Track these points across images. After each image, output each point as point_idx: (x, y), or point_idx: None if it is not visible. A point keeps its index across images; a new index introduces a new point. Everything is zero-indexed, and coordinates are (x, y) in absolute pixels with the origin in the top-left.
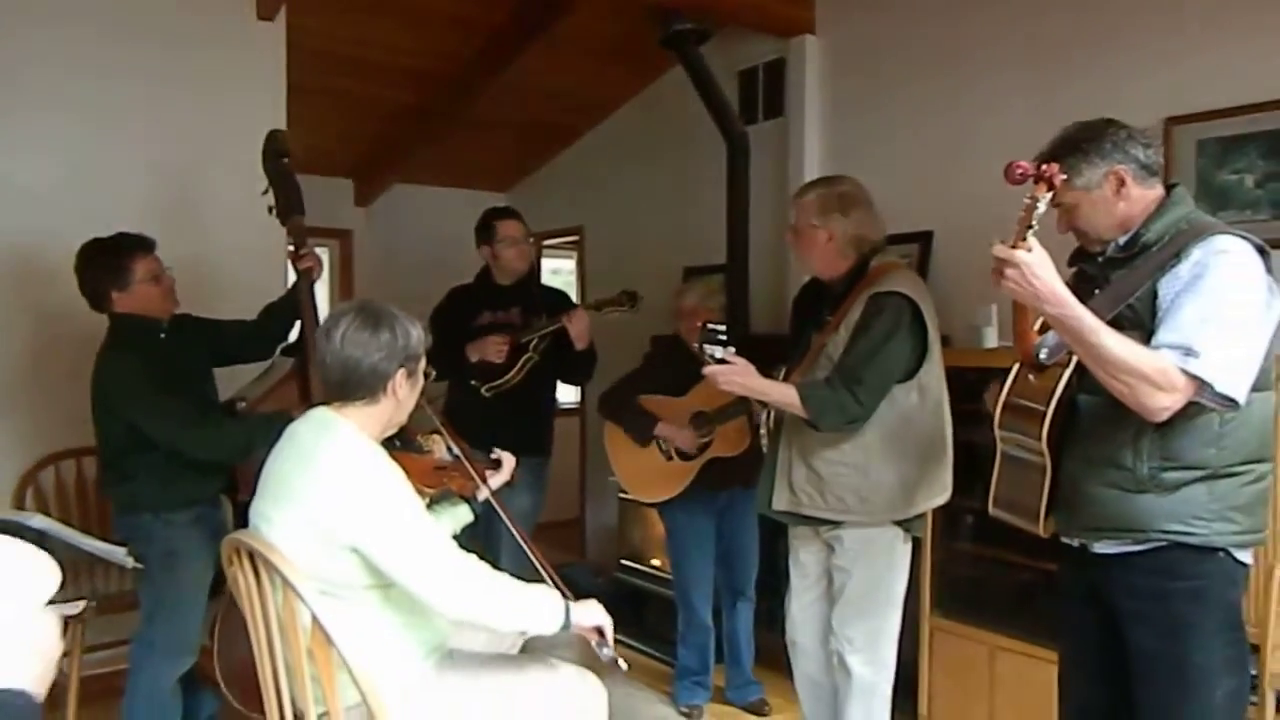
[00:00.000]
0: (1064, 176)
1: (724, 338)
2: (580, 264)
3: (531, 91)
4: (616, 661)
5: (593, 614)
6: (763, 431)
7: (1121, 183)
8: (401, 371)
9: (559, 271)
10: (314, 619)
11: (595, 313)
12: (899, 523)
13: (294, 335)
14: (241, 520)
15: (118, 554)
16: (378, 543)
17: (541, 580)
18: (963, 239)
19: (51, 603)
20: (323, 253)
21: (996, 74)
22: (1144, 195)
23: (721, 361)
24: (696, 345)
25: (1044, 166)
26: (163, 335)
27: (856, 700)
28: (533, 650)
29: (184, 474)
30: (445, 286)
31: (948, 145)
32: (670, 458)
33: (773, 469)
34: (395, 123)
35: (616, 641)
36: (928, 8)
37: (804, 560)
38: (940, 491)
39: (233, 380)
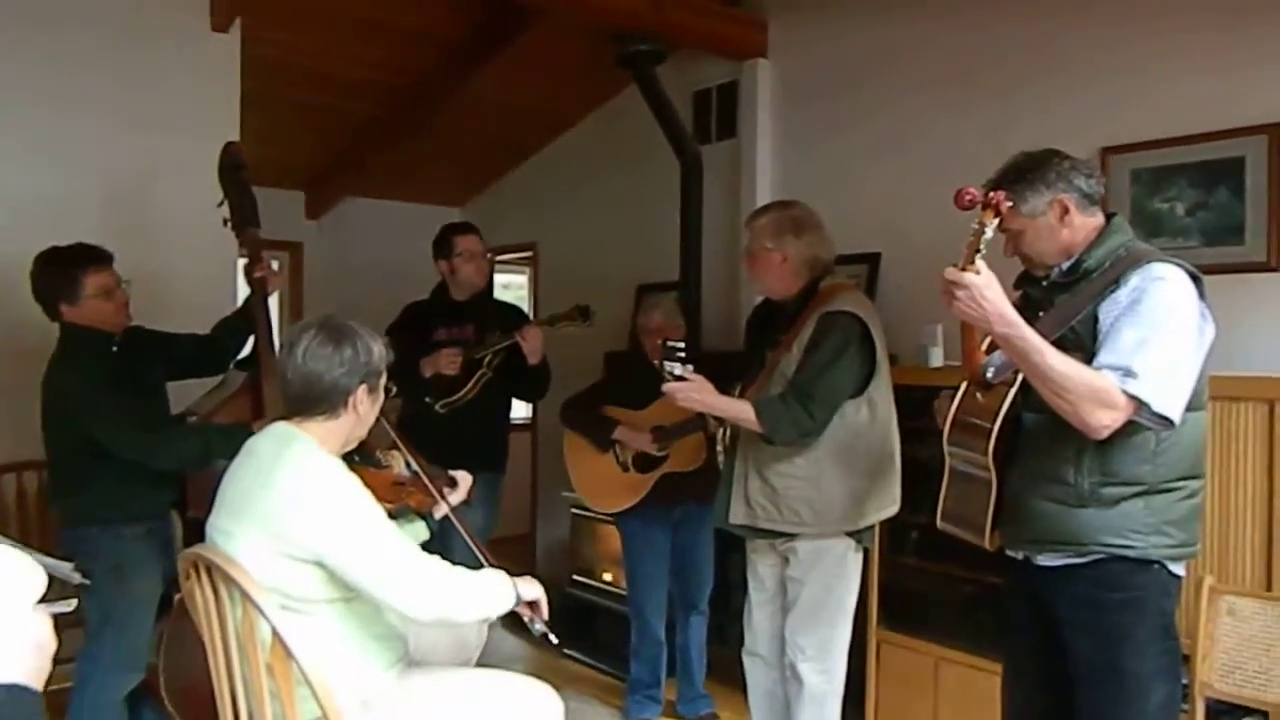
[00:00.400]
0: (1010, 204)
1: (683, 355)
2: (534, 280)
3: (487, 107)
4: (547, 636)
5: (531, 589)
6: (719, 448)
7: (1065, 211)
8: (363, 387)
9: (510, 286)
10: (274, 633)
11: (548, 328)
12: (850, 534)
13: (248, 349)
14: (191, 536)
15: (63, 569)
16: (342, 554)
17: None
18: (910, 261)
19: (42, 601)
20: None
21: (945, 101)
22: (1086, 223)
23: (680, 379)
24: (657, 362)
25: (991, 194)
26: (114, 348)
27: (808, 708)
28: (489, 665)
29: (136, 487)
30: (396, 300)
31: (895, 169)
32: (627, 469)
33: (729, 484)
34: (349, 135)
35: (568, 655)
36: (878, 36)
37: (761, 573)
38: (890, 504)
39: (184, 396)
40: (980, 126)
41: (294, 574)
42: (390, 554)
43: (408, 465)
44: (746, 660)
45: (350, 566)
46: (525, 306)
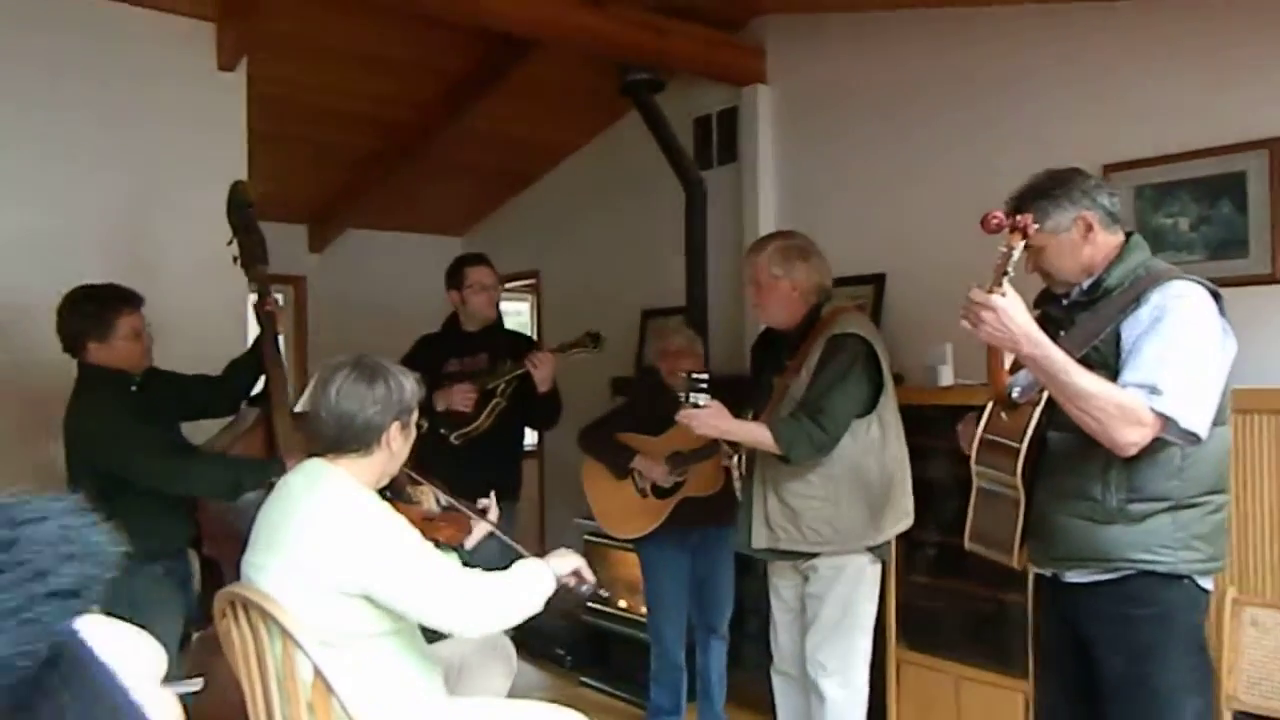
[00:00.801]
0: (1037, 226)
1: (705, 387)
2: (536, 308)
3: (488, 137)
4: (600, 590)
5: (568, 561)
6: (736, 475)
7: (1089, 228)
8: (396, 424)
9: (508, 313)
10: (315, 670)
11: (560, 354)
12: (869, 549)
13: (260, 386)
14: (207, 574)
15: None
16: (390, 583)
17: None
18: (915, 280)
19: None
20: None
21: (944, 121)
22: (1108, 241)
23: (700, 407)
24: (682, 395)
25: (1019, 217)
26: (134, 388)
27: None
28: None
29: (153, 525)
30: (401, 332)
31: (898, 189)
32: (645, 495)
33: (749, 509)
34: (351, 168)
35: (585, 684)
36: (876, 58)
37: (784, 593)
38: (904, 517)
39: (196, 436)
40: (982, 147)
41: (338, 608)
42: (435, 575)
43: (437, 500)
44: (776, 679)
45: (397, 593)
46: (529, 334)
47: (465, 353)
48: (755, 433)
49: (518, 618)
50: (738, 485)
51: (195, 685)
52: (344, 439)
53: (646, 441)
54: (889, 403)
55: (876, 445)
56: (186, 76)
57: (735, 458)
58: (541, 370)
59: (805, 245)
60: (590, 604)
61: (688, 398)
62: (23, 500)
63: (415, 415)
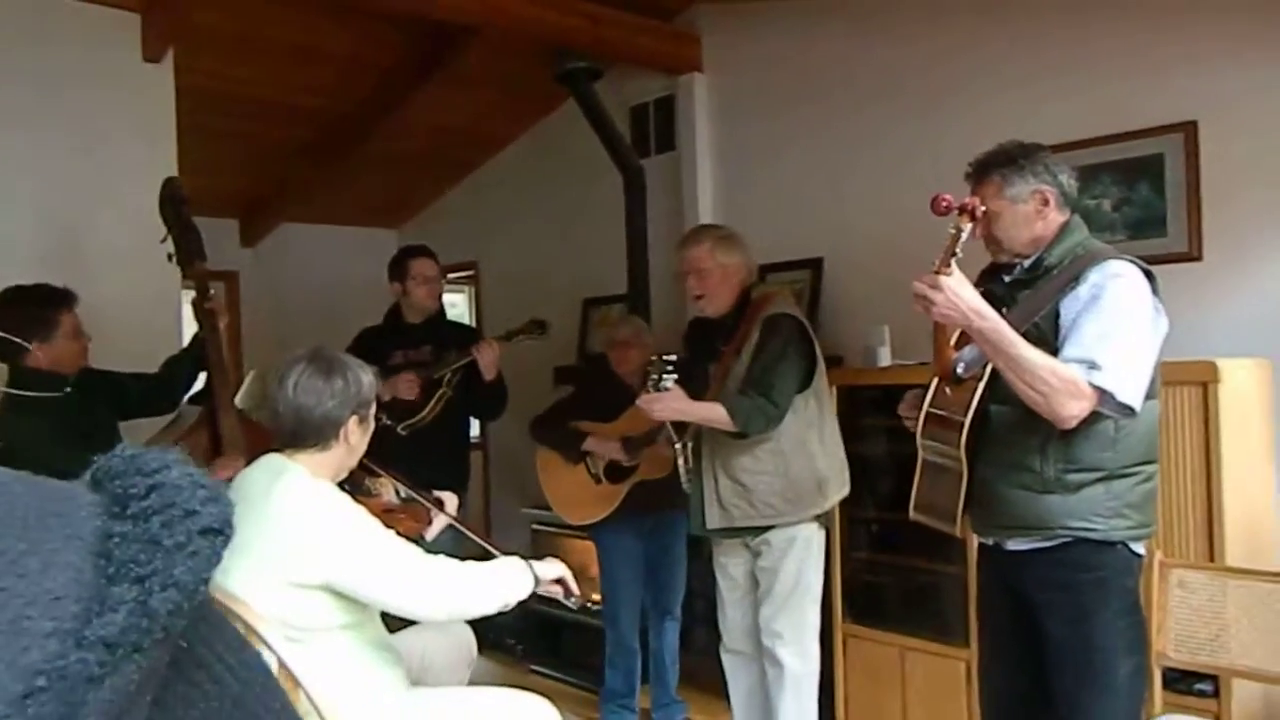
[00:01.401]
0: (984, 208)
1: (673, 370)
2: (475, 298)
3: (424, 127)
4: (586, 604)
5: (554, 569)
6: (681, 462)
7: (1045, 202)
8: (354, 418)
9: (447, 305)
10: (280, 664)
11: (505, 342)
12: (815, 517)
13: (200, 384)
14: None
15: None
16: (350, 570)
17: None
18: (852, 263)
19: None
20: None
21: (877, 107)
22: (1057, 220)
23: (663, 390)
24: (649, 375)
25: (967, 199)
26: (68, 390)
27: (789, 691)
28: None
29: None
30: (338, 326)
31: (834, 175)
32: (599, 481)
33: (700, 493)
34: (285, 161)
35: (535, 671)
36: (809, 48)
37: (732, 571)
38: (844, 485)
39: (135, 434)
40: (913, 132)
41: (300, 602)
42: (398, 561)
43: (397, 492)
44: (726, 658)
45: (362, 581)
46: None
47: (409, 344)
48: (712, 412)
49: (483, 609)
50: (684, 473)
51: None
52: (302, 433)
53: (599, 428)
54: (821, 379)
55: (816, 418)
56: (112, 69)
57: (680, 444)
58: (486, 358)
59: (733, 233)
60: (537, 592)
61: (659, 379)
62: (140, 452)
63: (373, 409)
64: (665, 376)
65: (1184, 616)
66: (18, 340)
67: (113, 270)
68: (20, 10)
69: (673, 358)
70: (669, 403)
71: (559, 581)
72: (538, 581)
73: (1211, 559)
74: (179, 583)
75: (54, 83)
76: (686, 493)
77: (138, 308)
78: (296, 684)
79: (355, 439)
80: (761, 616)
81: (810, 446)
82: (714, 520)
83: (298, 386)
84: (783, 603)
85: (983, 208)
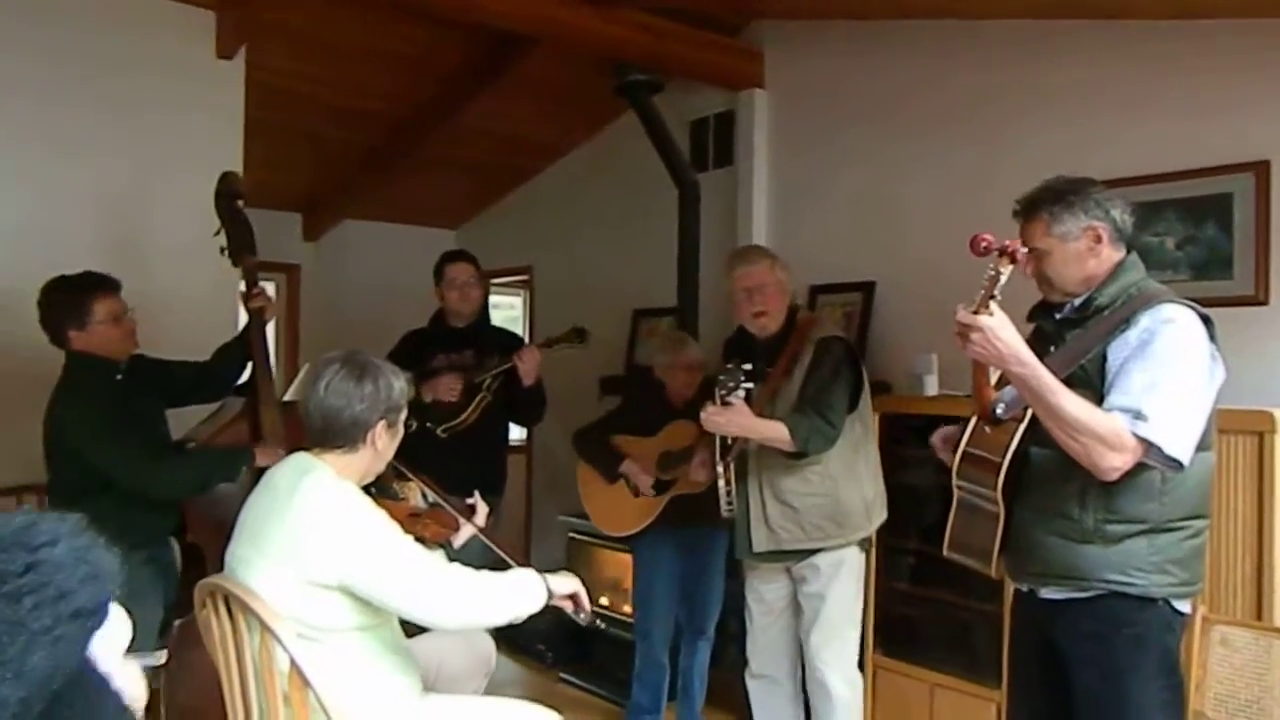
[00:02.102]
0: (1025, 250)
1: (747, 383)
2: (529, 303)
3: (484, 133)
4: (595, 623)
5: (567, 583)
6: (723, 485)
7: (1098, 239)
8: (382, 423)
9: (499, 307)
10: (292, 662)
11: (546, 349)
12: (859, 541)
13: (246, 375)
14: (190, 562)
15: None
16: (365, 573)
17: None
18: (904, 289)
19: (130, 652)
20: (269, 287)
21: (937, 133)
22: (1111, 256)
23: (728, 403)
24: (721, 386)
25: (1008, 242)
26: (119, 376)
27: (840, 718)
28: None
29: (136, 514)
30: (393, 322)
31: (891, 198)
32: (637, 494)
33: (745, 516)
34: (349, 160)
35: (565, 680)
36: (873, 66)
37: (766, 596)
38: (884, 508)
39: (182, 422)
40: (973, 159)
41: (316, 601)
42: (412, 567)
43: (424, 496)
44: (752, 684)
45: (374, 584)
46: (520, 329)
47: (452, 348)
48: (773, 430)
49: (494, 620)
50: (724, 495)
51: (159, 658)
52: (329, 434)
53: (639, 443)
54: (866, 403)
55: (861, 441)
56: (185, 64)
57: (723, 465)
58: (527, 364)
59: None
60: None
61: (735, 388)
62: (32, 523)
63: (403, 415)
64: (740, 388)
65: (1225, 676)
66: (55, 328)
67: (174, 260)
68: (99, 5)
69: (748, 367)
70: (734, 418)
71: (571, 596)
72: (550, 595)
73: (1259, 617)
74: (30, 673)
75: (128, 75)
76: (726, 517)
77: (198, 298)
78: (306, 683)
79: (382, 444)
80: (810, 644)
81: (857, 469)
82: (761, 543)
83: (329, 388)
84: (831, 628)
85: (1024, 250)
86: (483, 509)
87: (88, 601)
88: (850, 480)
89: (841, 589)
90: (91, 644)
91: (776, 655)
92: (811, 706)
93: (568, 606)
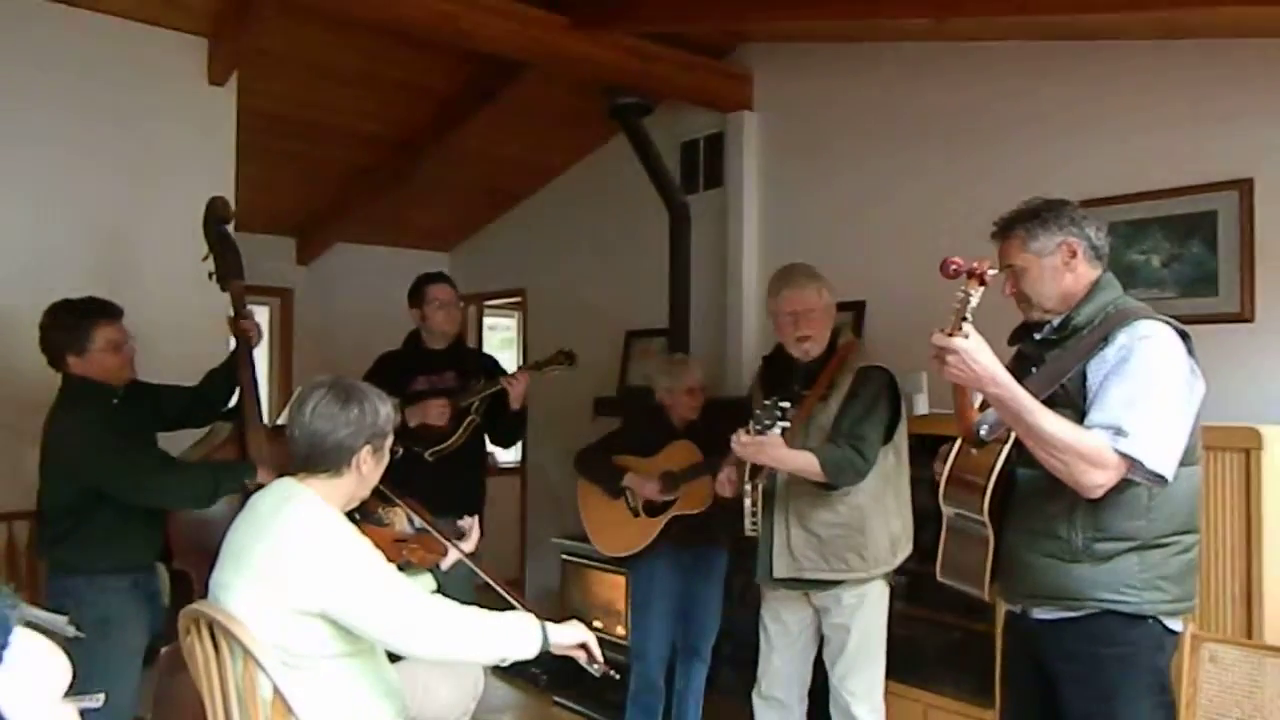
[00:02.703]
0: (994, 272)
1: (784, 417)
2: (523, 325)
3: (477, 156)
4: (610, 673)
5: (574, 633)
6: (748, 504)
7: (1072, 254)
8: (367, 448)
9: (494, 329)
10: (275, 690)
11: (535, 373)
12: (883, 575)
13: (235, 400)
14: (177, 588)
15: (59, 622)
16: (344, 601)
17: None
18: (894, 309)
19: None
20: (263, 310)
21: (925, 153)
22: (1088, 274)
23: (761, 435)
24: (758, 417)
25: (975, 264)
26: (116, 401)
27: None
28: (478, 714)
29: (123, 537)
30: (385, 345)
31: (880, 219)
32: (637, 514)
33: (769, 541)
34: (340, 183)
35: (558, 703)
36: (862, 90)
37: (788, 620)
38: (909, 542)
39: (170, 446)
40: (961, 179)
41: (298, 628)
42: (392, 596)
43: (410, 521)
44: (760, 704)
45: (353, 611)
46: (515, 351)
47: (432, 370)
48: (804, 461)
49: (476, 658)
50: (750, 516)
51: (97, 701)
52: (314, 458)
53: (639, 463)
54: (902, 435)
55: (894, 474)
56: (178, 90)
57: (751, 485)
58: (517, 388)
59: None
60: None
61: (771, 425)
62: None
63: (389, 440)
64: (776, 424)
65: (1215, 694)
66: (54, 351)
67: (167, 285)
68: (93, 31)
69: (786, 405)
70: (768, 449)
71: (582, 647)
72: (547, 642)
73: (1249, 635)
74: None
75: (120, 102)
76: (749, 535)
77: (190, 323)
78: (290, 711)
79: (367, 469)
80: (835, 674)
81: (886, 501)
82: (782, 570)
83: (314, 412)
84: (855, 660)
85: (992, 272)
86: (474, 535)
87: None
88: (878, 513)
89: (866, 621)
90: None
91: (790, 681)
92: None
93: (579, 657)
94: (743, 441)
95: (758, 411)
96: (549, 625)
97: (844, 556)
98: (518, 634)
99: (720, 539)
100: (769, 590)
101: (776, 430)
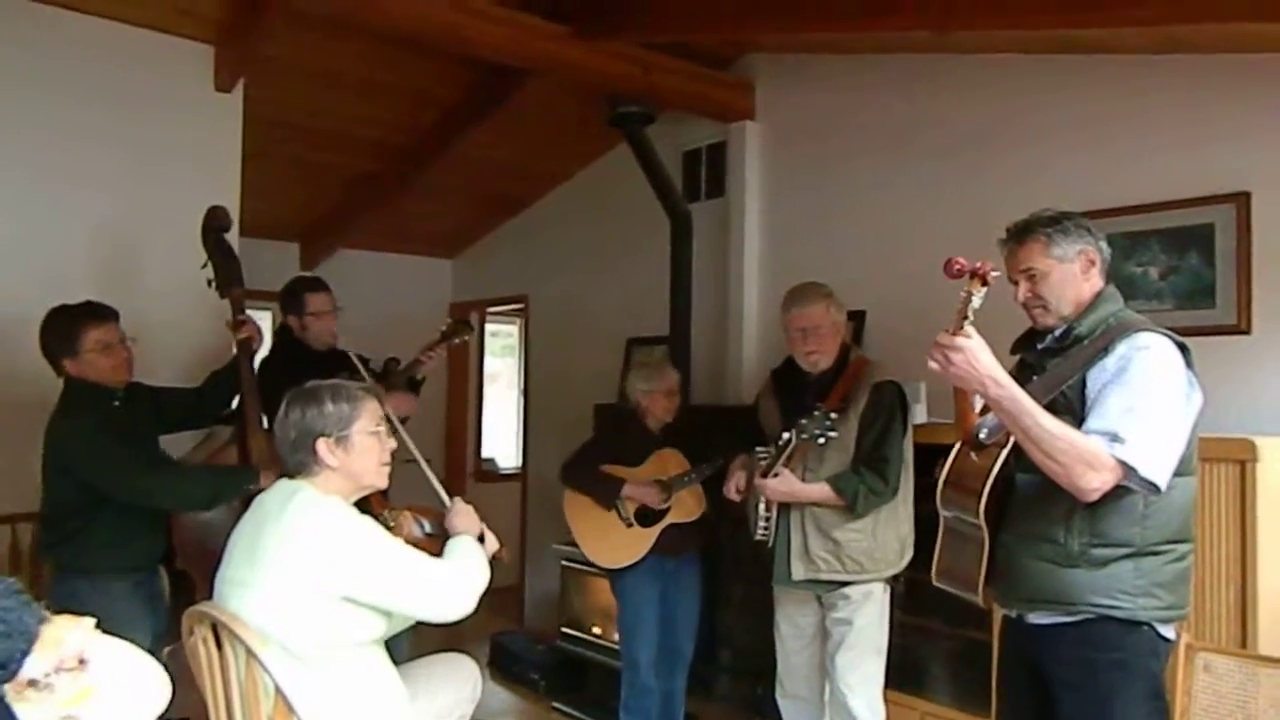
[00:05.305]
0: (996, 273)
1: (831, 429)
2: (525, 331)
3: (481, 162)
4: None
5: (473, 522)
6: (761, 508)
7: (1091, 263)
8: (325, 440)
9: (497, 335)
10: (276, 688)
11: (444, 345)
12: (888, 578)
13: (236, 403)
14: (179, 589)
15: None
16: (365, 579)
17: None
18: (893, 319)
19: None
20: (266, 316)
21: (925, 164)
22: (1095, 285)
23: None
24: (804, 429)
25: (979, 264)
26: (116, 403)
27: None
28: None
29: (125, 539)
30: (388, 350)
31: (880, 228)
32: (630, 525)
33: (786, 546)
34: (345, 189)
35: (556, 709)
36: (863, 99)
37: (800, 622)
38: (912, 546)
39: (170, 449)
40: (961, 191)
41: (317, 617)
42: (409, 567)
43: (419, 524)
44: (784, 703)
45: (376, 588)
46: (517, 357)
47: (323, 371)
48: (822, 493)
49: (479, 587)
50: (761, 519)
51: None
52: (287, 460)
53: (628, 473)
54: (909, 443)
55: (904, 484)
56: (183, 97)
57: (765, 502)
58: (434, 363)
59: (832, 290)
60: (565, 629)
61: (820, 434)
62: None
63: (355, 427)
64: (823, 436)
65: (1208, 703)
66: (51, 356)
67: (171, 290)
68: (99, 38)
69: (834, 415)
70: (779, 487)
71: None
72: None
73: (1244, 645)
74: None
75: (126, 108)
76: (758, 539)
77: (195, 328)
78: (291, 710)
79: (339, 459)
80: (836, 667)
81: (897, 509)
82: (799, 573)
83: (283, 417)
84: (855, 653)
85: (995, 273)
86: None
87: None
88: (891, 520)
89: (866, 619)
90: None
91: (809, 677)
92: None
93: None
94: (774, 484)
95: (803, 421)
96: (457, 524)
97: (858, 560)
98: (478, 553)
99: (703, 543)
100: (783, 592)
101: (823, 440)
